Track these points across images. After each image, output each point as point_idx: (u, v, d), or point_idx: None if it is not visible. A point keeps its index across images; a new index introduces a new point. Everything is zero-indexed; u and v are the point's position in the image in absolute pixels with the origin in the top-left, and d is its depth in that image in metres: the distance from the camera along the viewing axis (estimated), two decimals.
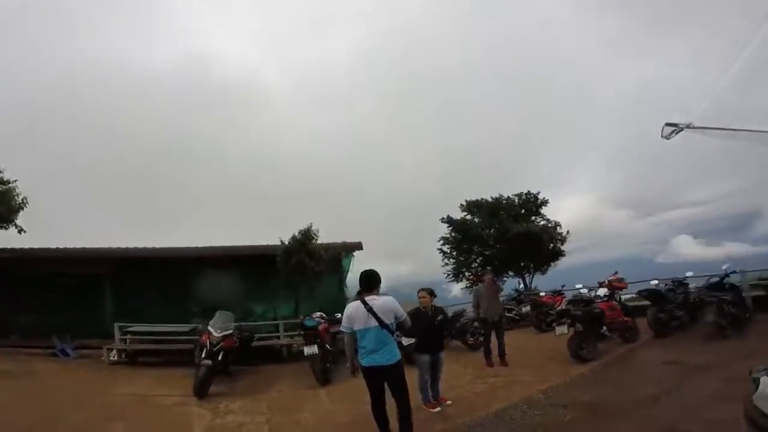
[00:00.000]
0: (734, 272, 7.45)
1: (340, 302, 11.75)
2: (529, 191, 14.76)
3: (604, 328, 6.89)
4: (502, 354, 6.93)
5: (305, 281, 10.21)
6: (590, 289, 8.53)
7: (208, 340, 6.41)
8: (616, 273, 8.71)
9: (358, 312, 3.84)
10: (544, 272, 13.90)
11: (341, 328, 4.28)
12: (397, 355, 3.85)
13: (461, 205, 15.60)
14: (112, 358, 8.58)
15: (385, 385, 3.85)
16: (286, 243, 9.98)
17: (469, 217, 15.43)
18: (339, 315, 9.57)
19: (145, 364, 8.41)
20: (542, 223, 14.28)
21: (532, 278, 13.94)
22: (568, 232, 13.82)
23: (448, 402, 4.99)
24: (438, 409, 4.80)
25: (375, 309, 3.77)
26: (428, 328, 4.99)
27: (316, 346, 6.76)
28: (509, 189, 17.01)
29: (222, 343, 6.40)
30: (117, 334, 8.77)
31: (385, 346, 3.76)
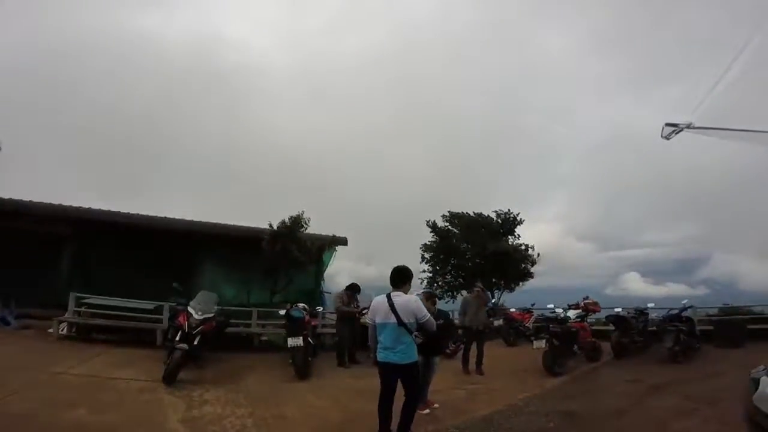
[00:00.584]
0: (691, 307, 8.17)
1: (315, 296, 11.66)
2: (509, 210, 15.40)
3: (576, 346, 7.31)
4: (479, 363, 7.14)
5: (286, 270, 9.97)
6: (563, 310, 8.98)
7: (186, 322, 5.99)
8: (587, 297, 9.27)
9: (381, 306, 3.87)
10: (512, 290, 14.48)
11: (367, 319, 4.25)
12: (413, 356, 3.82)
13: (444, 215, 15.96)
14: (61, 331, 7.92)
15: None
16: (275, 228, 9.71)
17: (449, 228, 15.81)
18: (320, 308, 9.49)
19: (98, 341, 7.79)
20: (516, 243, 14.87)
21: (501, 295, 14.48)
22: (538, 255, 14.51)
23: (435, 405, 5.03)
24: (427, 411, 4.82)
25: (396, 306, 3.77)
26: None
27: (301, 339, 6.61)
28: (489, 206, 17.51)
29: (201, 327, 6.04)
30: (72, 305, 8.02)
31: (400, 344, 3.74)
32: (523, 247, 14.61)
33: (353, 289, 8.15)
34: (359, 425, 4.47)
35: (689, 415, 4.42)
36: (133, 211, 10.16)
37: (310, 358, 6.72)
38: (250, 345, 8.73)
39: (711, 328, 8.32)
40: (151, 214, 10.33)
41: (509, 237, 15.14)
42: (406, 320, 3.73)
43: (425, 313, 3.89)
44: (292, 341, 6.61)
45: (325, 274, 12.41)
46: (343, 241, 12.06)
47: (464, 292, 15.16)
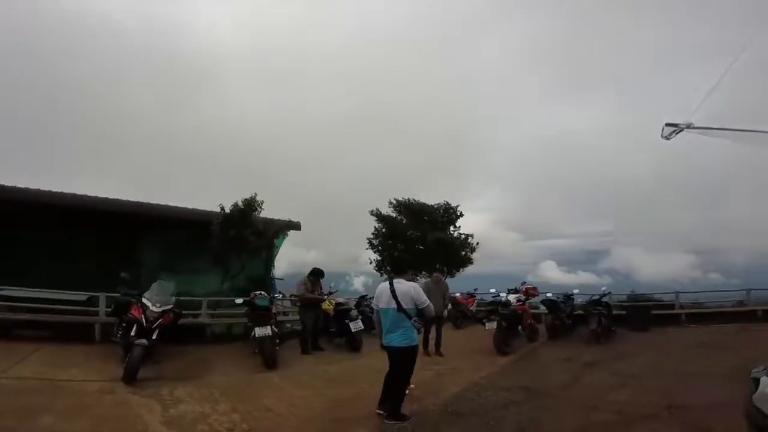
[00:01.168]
0: (609, 294, 9.60)
1: (265, 282, 11.26)
2: (448, 202, 16.31)
3: (520, 327, 8.22)
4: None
5: (239, 256, 9.49)
6: (504, 294, 9.95)
7: (142, 316, 5.52)
8: (524, 282, 10.38)
9: (384, 292, 4.16)
10: (453, 276, 15.50)
11: (372, 305, 4.49)
12: (412, 340, 4.12)
13: (390, 202, 16.35)
14: None
15: None
16: (227, 211, 9.13)
17: (396, 215, 16.26)
18: (279, 295, 9.20)
19: (24, 338, 6.74)
20: (456, 233, 15.88)
21: (444, 280, 15.44)
22: (477, 243, 15.69)
23: (412, 386, 5.37)
24: (406, 392, 5.15)
25: (397, 292, 4.05)
26: None
27: (269, 328, 6.47)
28: (431, 196, 18.25)
29: (160, 320, 5.60)
30: None
31: (400, 328, 4.06)
32: (463, 236, 15.66)
33: (317, 275, 7.97)
34: (346, 410, 4.63)
35: (620, 389, 5.32)
36: (66, 191, 8.75)
37: (277, 348, 6.62)
38: (201, 336, 8.25)
39: (623, 312, 9.86)
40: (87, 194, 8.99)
41: (450, 227, 16.06)
42: (405, 306, 4.02)
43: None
44: (260, 331, 6.43)
45: (276, 260, 12.08)
46: (297, 226, 11.79)
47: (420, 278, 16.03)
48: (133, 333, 5.39)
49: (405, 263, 4.49)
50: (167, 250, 9.55)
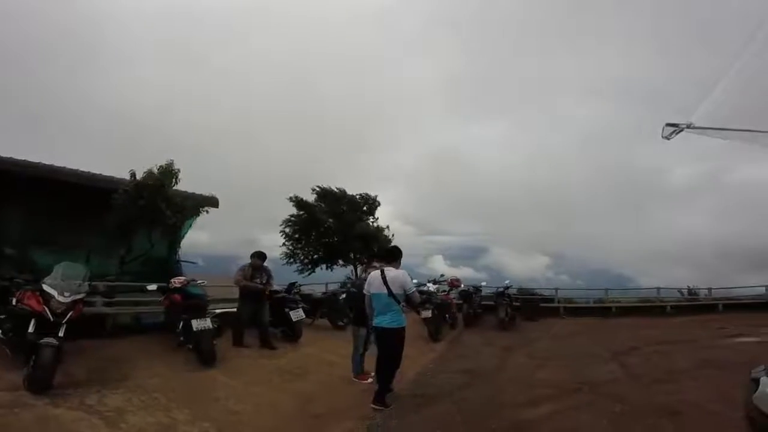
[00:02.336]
0: (510, 287, 11.17)
1: (170, 266, 9.74)
2: (368, 193, 16.53)
3: (447, 315, 8.98)
4: None
5: (148, 234, 8.01)
6: (430, 284, 10.68)
7: (46, 308, 4.25)
8: (443, 275, 11.33)
9: (376, 279, 4.49)
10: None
11: (364, 291, 4.68)
12: (400, 322, 4.43)
13: (313, 189, 15.73)
14: None
15: None
16: (138, 178, 7.58)
17: (317, 202, 15.76)
18: (202, 282, 8.02)
19: None
20: (375, 224, 16.23)
21: (364, 270, 15.70)
22: (393, 235, 16.30)
23: (372, 374, 5.42)
24: (370, 379, 5.19)
25: (387, 278, 4.38)
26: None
27: (208, 320, 5.69)
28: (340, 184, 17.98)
29: (71, 313, 4.38)
30: None
31: (390, 311, 4.38)
32: (381, 227, 16.11)
33: (258, 257, 7.13)
34: (319, 405, 4.48)
35: (540, 369, 6.32)
36: None
37: (215, 342, 5.88)
38: (100, 329, 6.75)
39: (518, 304, 11.56)
40: None
41: (369, 218, 16.35)
42: (395, 291, 4.35)
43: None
44: (198, 324, 5.59)
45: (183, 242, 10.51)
46: (215, 202, 10.43)
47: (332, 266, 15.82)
48: (31, 329, 4.12)
49: (395, 253, 4.73)
50: (47, 221, 7.50)
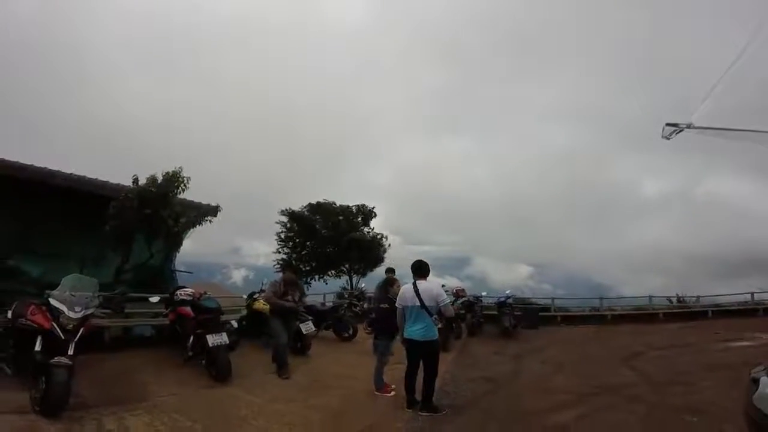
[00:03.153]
0: (512, 296, 11.30)
1: (164, 276, 9.38)
2: (365, 204, 16.57)
3: (453, 325, 8.96)
4: None
5: (149, 243, 7.72)
6: None
7: (55, 324, 3.94)
8: (443, 285, 11.32)
9: (408, 292, 4.53)
10: (365, 276, 15.75)
11: (396, 304, 4.67)
12: (433, 334, 4.43)
13: (303, 206, 15.90)
14: None
15: None
16: (140, 185, 7.32)
17: (309, 214, 15.76)
18: (208, 293, 7.78)
19: None
20: (371, 233, 16.23)
21: (359, 279, 15.60)
22: (389, 245, 16.30)
23: (393, 386, 5.30)
24: (393, 392, 5.09)
25: (420, 291, 4.42)
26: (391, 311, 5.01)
27: (224, 335, 5.47)
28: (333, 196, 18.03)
29: (82, 330, 4.07)
30: None
31: (423, 324, 4.39)
32: (379, 236, 16.12)
33: (292, 270, 6.70)
34: (351, 419, 4.34)
35: (555, 375, 6.41)
36: None
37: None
38: (98, 342, 6.39)
39: (519, 313, 11.66)
40: None
41: (364, 228, 16.33)
42: (428, 303, 4.38)
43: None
44: (213, 339, 5.35)
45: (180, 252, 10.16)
46: (216, 212, 10.16)
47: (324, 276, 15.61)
48: (38, 348, 3.83)
49: (424, 268, 4.70)
50: (40, 229, 7.14)
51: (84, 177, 7.77)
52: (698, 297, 12.96)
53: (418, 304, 4.38)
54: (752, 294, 12.46)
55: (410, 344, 4.50)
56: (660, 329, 10.70)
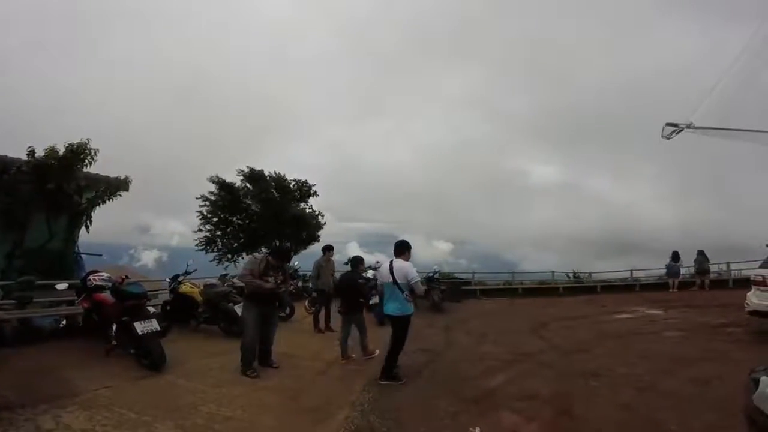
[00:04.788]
0: (438, 272, 12.13)
1: (66, 260, 8.15)
2: (306, 180, 15.93)
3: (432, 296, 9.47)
4: (328, 321, 7.95)
5: (49, 222, 6.62)
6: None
7: None
8: (377, 262, 11.72)
9: (385, 270, 4.97)
10: (297, 253, 15.42)
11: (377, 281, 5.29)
12: (405, 310, 4.86)
13: (239, 170, 14.58)
14: None
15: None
16: (39, 157, 6.16)
17: (243, 184, 14.71)
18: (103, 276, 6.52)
19: None
20: (308, 210, 15.82)
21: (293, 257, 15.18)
22: (325, 222, 16.12)
23: (377, 351, 5.93)
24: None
25: (394, 269, 4.81)
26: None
27: (154, 321, 5.11)
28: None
29: None
30: None
31: (396, 300, 4.83)
32: (316, 213, 15.81)
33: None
34: (308, 398, 4.43)
35: (481, 344, 7.20)
36: None
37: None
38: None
39: (444, 288, 12.57)
40: None
41: (301, 204, 15.87)
42: (399, 281, 4.77)
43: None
44: (142, 326, 4.97)
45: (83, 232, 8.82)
46: (125, 186, 8.99)
47: (254, 253, 14.75)
48: None
49: (403, 246, 5.03)
50: None
51: None
52: (590, 273, 15.41)
53: (391, 281, 4.78)
54: (631, 271, 15.21)
55: (388, 318, 5.01)
56: (560, 302, 12.51)
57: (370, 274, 10.44)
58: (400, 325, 4.89)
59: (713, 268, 14.09)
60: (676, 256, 13.65)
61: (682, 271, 13.92)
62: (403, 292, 4.79)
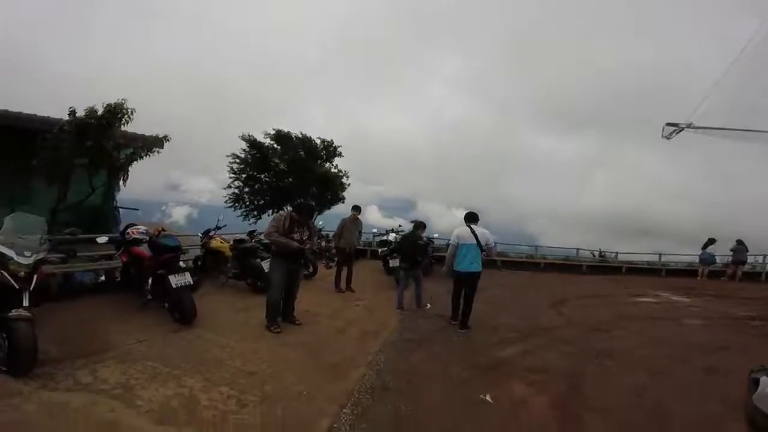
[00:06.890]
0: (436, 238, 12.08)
1: (106, 214, 8.65)
2: (332, 140, 15.87)
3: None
4: (349, 281, 8.20)
5: (91, 177, 6.99)
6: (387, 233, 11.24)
7: (6, 273, 3.49)
8: (400, 226, 11.85)
9: (466, 233, 5.96)
10: (321, 213, 15.73)
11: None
12: (479, 267, 5.97)
13: (267, 133, 14.75)
14: None
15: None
16: (79, 116, 6.39)
17: (272, 144, 14.90)
18: (141, 230, 6.64)
19: None
20: (334, 170, 15.90)
21: (316, 216, 15.54)
22: (349, 184, 16.19)
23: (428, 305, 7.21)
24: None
25: (477, 233, 5.92)
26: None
27: (188, 275, 5.35)
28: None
29: (36, 277, 3.68)
30: None
31: (475, 259, 5.91)
32: (341, 174, 15.88)
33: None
34: (328, 354, 4.65)
35: (498, 315, 7.21)
36: None
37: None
38: (45, 292, 5.87)
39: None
40: None
41: (327, 164, 15.93)
42: (483, 243, 5.89)
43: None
44: (176, 279, 5.22)
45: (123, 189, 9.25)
46: (161, 144, 9.28)
47: (279, 210, 15.22)
48: None
49: (476, 216, 6.12)
50: None
51: (6, 110, 6.55)
52: (616, 253, 14.92)
53: (475, 243, 5.83)
54: (660, 255, 14.64)
55: (466, 275, 5.91)
56: (582, 279, 12.31)
57: (392, 236, 10.76)
58: (475, 280, 5.94)
59: (749, 259, 13.33)
60: (710, 243, 12.95)
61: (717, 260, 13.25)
62: (482, 252, 5.85)
